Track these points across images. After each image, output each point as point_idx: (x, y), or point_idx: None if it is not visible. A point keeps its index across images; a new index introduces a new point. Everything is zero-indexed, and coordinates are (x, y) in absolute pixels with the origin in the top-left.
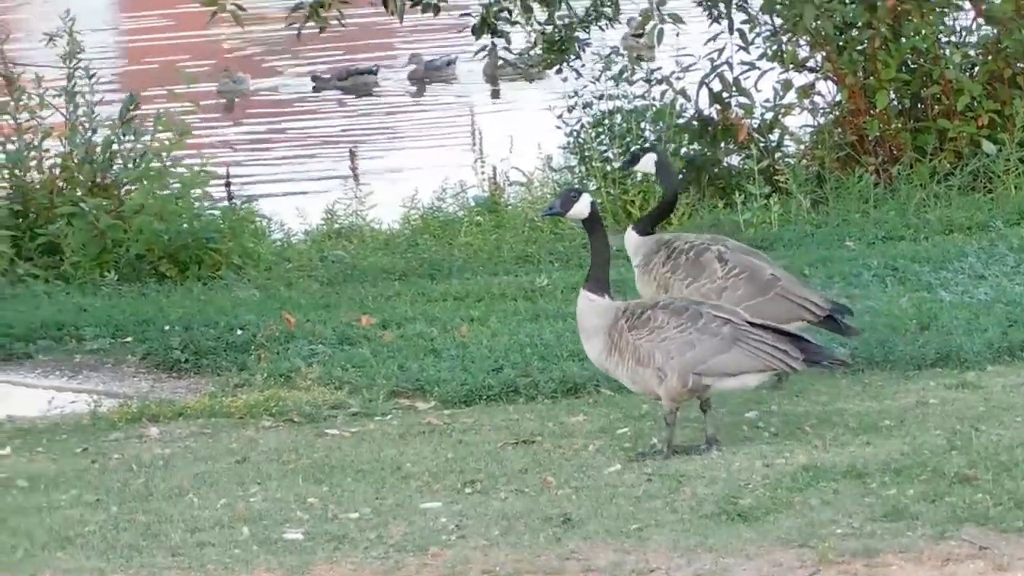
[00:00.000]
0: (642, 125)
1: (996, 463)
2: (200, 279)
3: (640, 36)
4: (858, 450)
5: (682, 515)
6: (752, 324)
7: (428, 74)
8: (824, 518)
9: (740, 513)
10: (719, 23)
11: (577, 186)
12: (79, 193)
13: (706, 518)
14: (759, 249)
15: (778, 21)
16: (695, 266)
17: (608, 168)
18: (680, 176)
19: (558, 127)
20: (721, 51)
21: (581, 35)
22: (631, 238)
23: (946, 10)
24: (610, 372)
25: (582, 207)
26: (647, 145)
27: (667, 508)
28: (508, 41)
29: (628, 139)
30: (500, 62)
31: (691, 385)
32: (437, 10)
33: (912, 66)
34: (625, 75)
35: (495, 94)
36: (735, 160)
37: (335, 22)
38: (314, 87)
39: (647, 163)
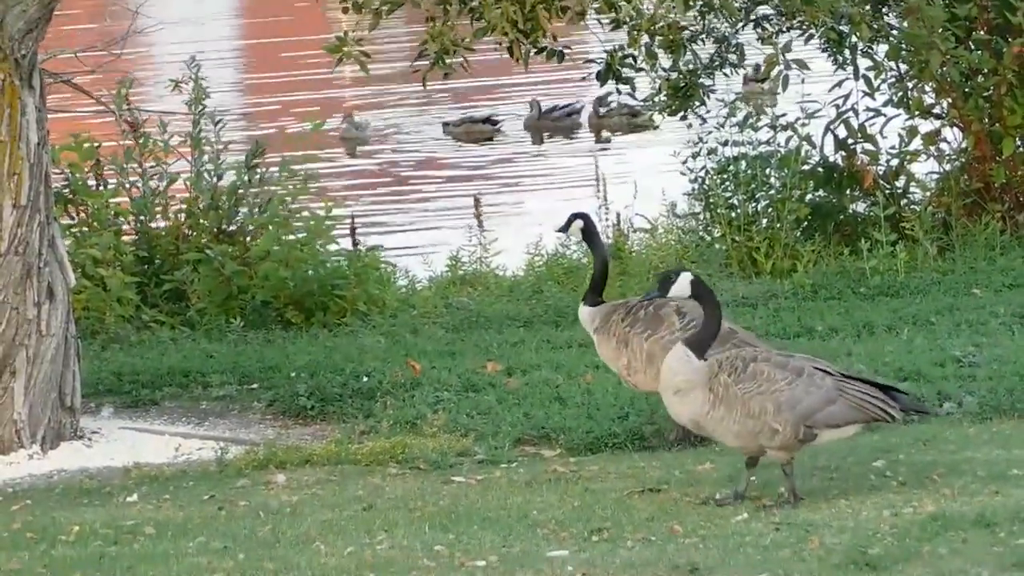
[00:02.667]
0: (767, 171)
1: None
2: (325, 326)
3: (759, 81)
4: (987, 499)
5: (810, 565)
6: (845, 376)
7: (546, 122)
8: (953, 568)
9: (868, 563)
10: (844, 69)
11: (676, 268)
12: (204, 240)
13: (835, 568)
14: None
15: (903, 67)
16: (654, 319)
17: (733, 215)
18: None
19: (683, 173)
20: (846, 97)
21: (706, 81)
22: (584, 312)
23: None
24: (707, 428)
25: (681, 288)
26: (576, 213)
27: (795, 557)
28: (633, 88)
29: (753, 185)
30: (603, 111)
31: (802, 435)
32: (562, 57)
33: None
34: (750, 121)
35: (608, 140)
36: (861, 207)
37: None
38: (445, 130)
39: (575, 228)
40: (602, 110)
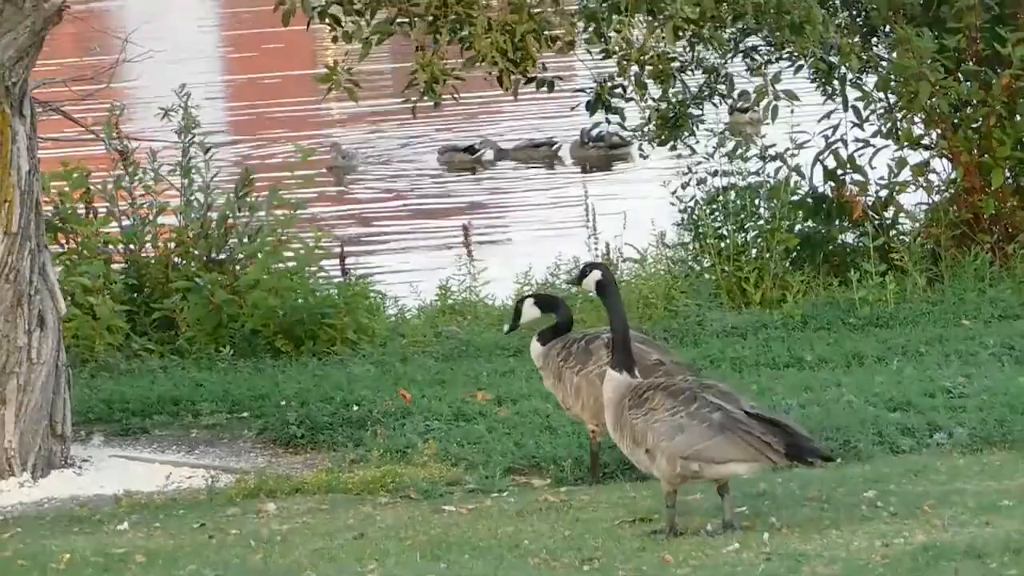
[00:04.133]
0: (756, 202)
1: None
2: (315, 354)
3: (744, 111)
4: (977, 530)
5: None
6: (748, 413)
7: (526, 153)
8: None
9: None
10: (833, 100)
11: (597, 261)
12: (194, 268)
13: None
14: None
15: (892, 98)
16: (584, 353)
17: (722, 245)
18: None
19: (672, 204)
20: (835, 128)
21: (695, 111)
22: (534, 348)
23: None
24: (620, 447)
25: (588, 283)
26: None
27: None
28: (623, 118)
29: (743, 216)
30: (587, 143)
31: (680, 470)
32: (552, 86)
33: None
34: (739, 152)
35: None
36: (850, 237)
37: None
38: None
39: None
40: (588, 142)
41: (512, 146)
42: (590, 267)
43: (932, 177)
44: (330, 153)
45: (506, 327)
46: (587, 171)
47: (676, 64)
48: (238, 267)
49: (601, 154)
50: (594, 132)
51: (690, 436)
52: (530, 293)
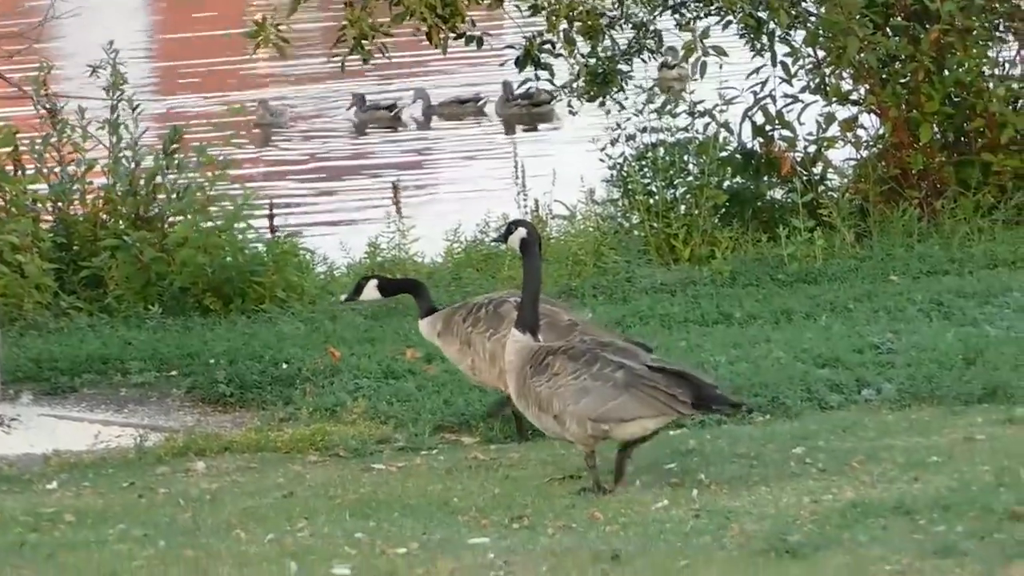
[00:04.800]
0: (685, 158)
1: None
2: (244, 312)
3: (672, 67)
4: (906, 486)
5: (731, 552)
6: (650, 367)
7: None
8: (873, 555)
9: (789, 550)
10: (762, 56)
11: (520, 218)
12: (122, 226)
13: (755, 555)
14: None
15: (821, 54)
16: (495, 317)
17: (652, 201)
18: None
19: (601, 160)
20: (764, 84)
21: (624, 67)
22: (422, 326)
23: (990, 43)
24: (524, 414)
25: (513, 241)
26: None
27: (716, 545)
28: (552, 74)
29: (672, 172)
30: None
31: (591, 431)
32: (480, 43)
33: (956, 99)
34: (668, 108)
35: (525, 128)
36: (778, 194)
37: (379, 54)
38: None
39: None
40: (511, 98)
41: (438, 102)
42: (515, 224)
43: (860, 133)
44: (257, 111)
45: (343, 296)
46: (511, 129)
47: (605, 20)
48: (167, 225)
49: (523, 112)
50: (520, 90)
51: (596, 398)
52: (377, 275)
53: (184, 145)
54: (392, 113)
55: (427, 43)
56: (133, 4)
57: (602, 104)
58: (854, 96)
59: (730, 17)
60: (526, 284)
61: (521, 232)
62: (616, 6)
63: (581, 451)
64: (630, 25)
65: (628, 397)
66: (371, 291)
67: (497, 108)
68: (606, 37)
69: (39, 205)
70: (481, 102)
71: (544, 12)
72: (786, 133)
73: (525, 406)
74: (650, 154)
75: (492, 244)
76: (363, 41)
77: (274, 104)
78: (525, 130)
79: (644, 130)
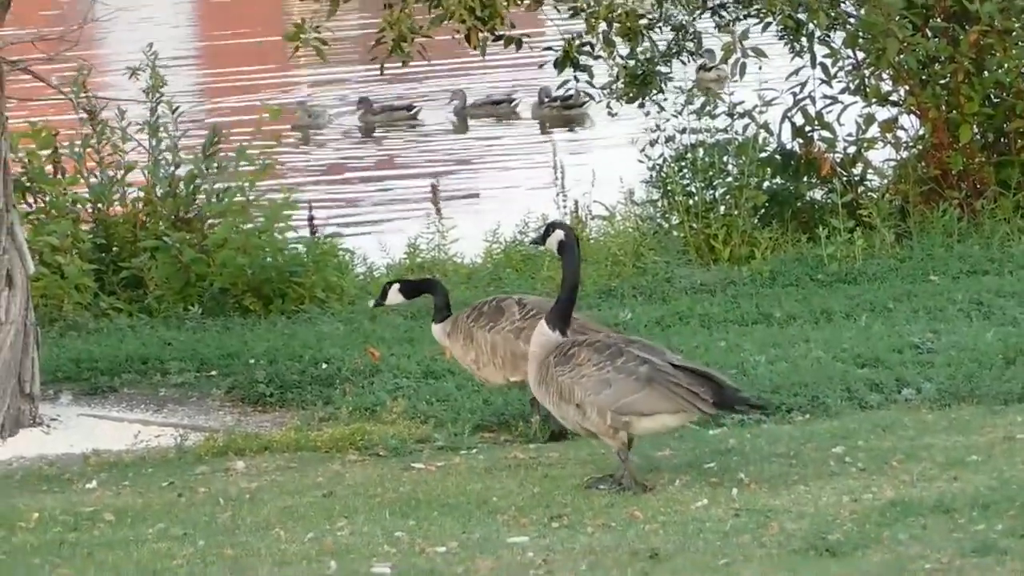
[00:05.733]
0: (724, 159)
1: None
2: (284, 313)
3: (708, 69)
4: (945, 485)
5: (770, 550)
6: (674, 365)
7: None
8: (913, 553)
9: (828, 548)
10: (801, 57)
11: (561, 220)
12: (162, 227)
13: (794, 553)
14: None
15: (861, 55)
16: (496, 311)
17: (691, 202)
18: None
19: (640, 161)
20: (803, 85)
21: (663, 69)
22: (435, 330)
23: None
24: (543, 403)
25: (552, 241)
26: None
27: (755, 543)
28: (591, 75)
29: (711, 173)
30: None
31: (611, 422)
32: (520, 44)
33: (995, 100)
34: (708, 109)
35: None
36: (818, 194)
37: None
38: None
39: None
40: (545, 100)
41: (471, 102)
42: (553, 226)
43: (900, 133)
44: (296, 111)
45: (371, 302)
46: (545, 130)
47: (644, 21)
48: (206, 226)
49: (557, 114)
50: (555, 92)
51: (618, 389)
52: (399, 279)
53: (226, 143)
54: (410, 113)
55: (465, 45)
56: (180, 8)
57: (641, 106)
58: (893, 97)
59: (769, 19)
60: (564, 284)
61: (559, 234)
62: (655, 8)
63: (612, 447)
64: (669, 27)
65: (650, 391)
66: (394, 295)
67: (533, 111)
68: (645, 39)
69: (79, 206)
70: (514, 103)
71: (583, 14)
72: (826, 134)
73: (544, 394)
74: (689, 155)
75: (530, 245)
76: (402, 43)
77: (313, 106)
78: (563, 130)
79: (683, 131)
